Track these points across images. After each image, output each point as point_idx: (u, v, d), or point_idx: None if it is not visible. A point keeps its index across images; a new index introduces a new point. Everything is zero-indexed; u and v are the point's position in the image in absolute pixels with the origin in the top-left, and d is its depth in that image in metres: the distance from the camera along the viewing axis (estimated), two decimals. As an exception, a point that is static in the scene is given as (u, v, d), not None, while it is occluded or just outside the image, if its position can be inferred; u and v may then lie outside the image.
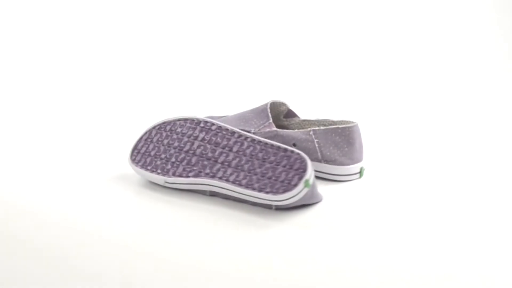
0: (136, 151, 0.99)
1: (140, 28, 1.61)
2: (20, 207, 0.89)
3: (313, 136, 0.97)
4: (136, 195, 0.94)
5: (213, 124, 0.95)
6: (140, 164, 0.97)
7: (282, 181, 0.86)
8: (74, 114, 1.35)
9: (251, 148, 0.91)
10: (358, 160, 0.98)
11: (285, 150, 0.88)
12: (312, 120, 1.04)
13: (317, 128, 0.97)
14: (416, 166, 1.08)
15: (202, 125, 0.96)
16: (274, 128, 1.01)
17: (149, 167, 0.96)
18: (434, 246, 0.79)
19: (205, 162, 0.92)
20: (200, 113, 1.33)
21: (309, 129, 0.97)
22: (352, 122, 0.98)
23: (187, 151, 0.94)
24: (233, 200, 0.92)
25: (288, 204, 0.87)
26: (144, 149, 0.98)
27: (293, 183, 0.85)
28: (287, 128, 1.07)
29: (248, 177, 0.88)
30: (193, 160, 0.93)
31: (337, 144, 0.96)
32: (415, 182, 1.00)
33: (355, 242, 0.80)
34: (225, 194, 0.91)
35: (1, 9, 1.51)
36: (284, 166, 0.87)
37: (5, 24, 1.50)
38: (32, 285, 0.69)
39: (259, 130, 1.02)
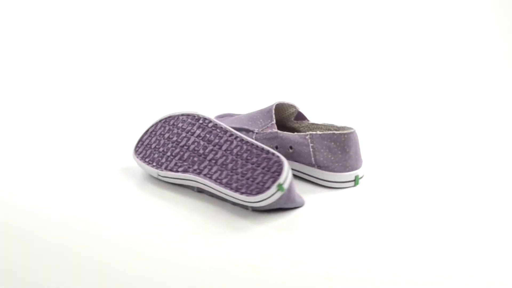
0: (140, 142, 1.02)
1: (155, 27, 1.63)
2: (20, 202, 0.93)
3: (309, 140, 0.95)
4: (131, 189, 0.98)
5: (210, 121, 0.96)
6: (140, 155, 1.00)
7: (258, 183, 0.85)
8: (85, 111, 1.37)
9: (238, 147, 0.91)
10: (353, 168, 0.95)
11: (268, 152, 0.88)
12: (319, 124, 1.02)
13: (314, 132, 0.95)
14: (414, 174, 1.03)
15: (201, 121, 0.97)
16: (275, 130, 1.00)
17: (147, 159, 0.99)
18: (415, 249, 0.76)
19: (195, 159, 0.94)
20: (219, 111, 1.35)
21: (307, 133, 0.96)
22: (350, 129, 0.96)
23: (182, 146, 0.96)
24: (216, 198, 0.93)
25: (263, 207, 0.86)
26: (147, 141, 1.01)
27: (266, 185, 0.84)
28: (298, 131, 1.06)
29: (229, 176, 0.89)
30: (186, 155, 0.95)
31: (332, 150, 0.94)
32: (409, 189, 0.96)
33: (329, 246, 0.79)
34: (210, 192, 0.92)
35: (1, 9, 1.53)
36: (263, 168, 0.87)
37: (5, 25, 1.52)
38: (35, 276, 0.72)
39: (262, 130, 1.02)
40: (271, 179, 0.84)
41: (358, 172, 0.96)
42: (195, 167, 0.93)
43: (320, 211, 0.89)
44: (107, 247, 0.79)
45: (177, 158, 0.96)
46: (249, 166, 0.88)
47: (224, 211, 0.89)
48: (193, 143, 0.96)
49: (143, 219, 0.87)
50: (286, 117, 1.07)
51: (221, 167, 0.90)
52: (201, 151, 0.94)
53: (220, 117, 1.14)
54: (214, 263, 0.76)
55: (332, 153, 0.94)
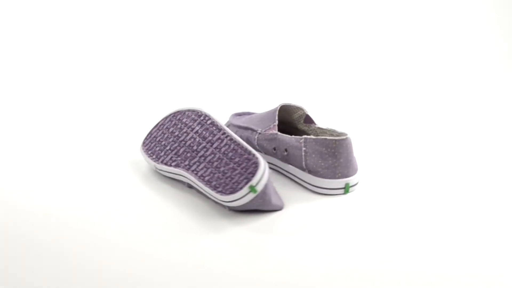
0: (149, 135, 1.05)
1: (163, 28, 1.62)
2: (20, 200, 0.94)
3: (302, 144, 0.94)
4: (130, 184, 1.02)
5: (209, 119, 0.98)
6: (146, 148, 1.03)
7: (234, 183, 0.86)
8: (92, 110, 1.38)
9: (227, 146, 0.92)
10: (344, 175, 0.93)
11: (249, 153, 0.88)
12: (324, 129, 1.00)
13: (308, 136, 0.94)
14: (410, 179, 0.99)
15: (201, 118, 0.99)
16: (275, 131, 1.00)
17: (149, 152, 1.02)
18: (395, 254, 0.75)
19: (188, 154, 0.96)
20: (231, 110, 1.36)
21: (302, 136, 0.95)
22: (344, 135, 0.94)
23: (180, 141, 0.98)
24: (202, 195, 0.94)
25: (238, 207, 0.87)
26: (155, 134, 1.04)
27: (240, 186, 0.84)
28: (306, 133, 1.05)
29: (212, 174, 0.90)
30: (181, 150, 0.97)
31: (322, 155, 0.92)
32: (401, 194, 0.92)
33: (304, 250, 0.79)
34: (196, 188, 0.94)
35: (1, 9, 1.54)
36: (242, 168, 0.87)
37: (6, 25, 1.53)
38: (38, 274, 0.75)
39: (264, 131, 1.02)
40: (245, 180, 0.85)
41: (349, 180, 0.94)
42: (186, 162, 0.95)
43: (302, 215, 0.88)
44: (88, 244, 0.83)
45: (173, 152, 0.98)
46: (231, 165, 0.89)
47: (207, 209, 0.91)
48: (190, 138, 0.98)
49: (127, 216, 0.90)
50: (296, 120, 1.06)
51: (208, 164, 0.92)
52: (195, 147, 0.96)
53: (238, 115, 1.15)
54: (184, 261, 0.78)
55: (323, 158, 0.92)
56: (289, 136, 0.97)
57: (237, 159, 0.89)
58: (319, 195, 0.94)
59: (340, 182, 0.93)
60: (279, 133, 0.99)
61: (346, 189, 0.94)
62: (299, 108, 1.04)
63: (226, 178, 0.88)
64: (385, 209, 0.91)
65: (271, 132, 1.01)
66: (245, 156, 0.88)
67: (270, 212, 0.89)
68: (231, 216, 0.88)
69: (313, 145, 0.93)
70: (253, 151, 0.88)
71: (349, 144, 0.92)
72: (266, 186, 0.86)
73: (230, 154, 0.90)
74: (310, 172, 0.94)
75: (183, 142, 0.98)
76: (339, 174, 0.93)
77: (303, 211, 0.90)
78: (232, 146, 0.91)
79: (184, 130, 1.00)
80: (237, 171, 0.87)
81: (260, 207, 0.87)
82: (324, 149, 0.92)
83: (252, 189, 0.84)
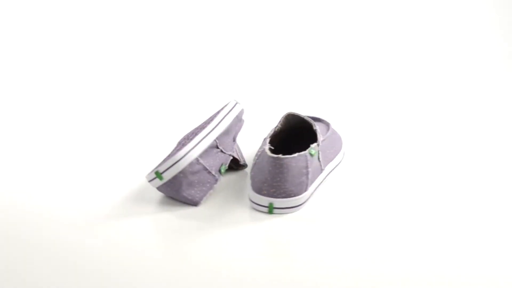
0: None
1: (163, 28, 1.55)
2: (20, 203, 0.97)
3: (259, 153, 0.94)
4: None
5: (212, 119, 1.03)
6: None
7: (157, 166, 0.94)
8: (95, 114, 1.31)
9: (190, 139, 0.98)
10: (268, 194, 0.89)
11: (184, 144, 0.94)
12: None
13: (266, 148, 0.94)
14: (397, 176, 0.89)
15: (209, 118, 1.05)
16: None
17: None
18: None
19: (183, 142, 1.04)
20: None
21: (263, 147, 0.95)
22: (278, 156, 0.89)
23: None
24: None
25: (163, 192, 0.94)
26: None
27: (154, 169, 0.92)
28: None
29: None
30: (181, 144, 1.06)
31: (259, 166, 0.91)
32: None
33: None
34: None
35: (2, 9, 1.49)
36: (170, 155, 0.94)
37: (6, 25, 1.49)
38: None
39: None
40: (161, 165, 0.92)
41: (272, 200, 0.90)
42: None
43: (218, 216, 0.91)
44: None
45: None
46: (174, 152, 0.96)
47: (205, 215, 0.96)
48: (191, 133, 1.06)
49: (126, 217, 0.93)
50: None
51: (177, 147, 1.00)
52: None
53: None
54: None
55: (258, 169, 0.92)
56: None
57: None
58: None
59: (261, 199, 0.91)
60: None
61: (270, 209, 0.91)
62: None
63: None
64: (384, 209, 0.94)
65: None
66: (181, 147, 0.95)
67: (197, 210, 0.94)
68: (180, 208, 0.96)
69: (262, 156, 0.93)
70: (192, 143, 0.93)
71: (280, 164, 0.89)
72: (175, 177, 0.91)
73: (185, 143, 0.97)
74: (251, 179, 0.94)
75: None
76: (264, 192, 0.91)
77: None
78: (192, 138, 0.97)
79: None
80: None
81: (176, 197, 0.93)
82: (259, 159, 0.92)
83: (158, 175, 0.91)
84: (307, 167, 0.91)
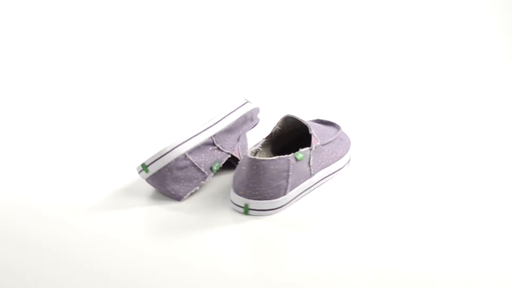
0: None
1: (164, 29, 1.53)
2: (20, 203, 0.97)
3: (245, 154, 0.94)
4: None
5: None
6: None
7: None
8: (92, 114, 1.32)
9: None
10: (245, 194, 0.89)
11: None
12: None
13: (253, 149, 0.94)
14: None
15: None
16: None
17: None
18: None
19: None
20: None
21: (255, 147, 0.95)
22: (255, 158, 0.88)
23: None
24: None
25: (152, 184, 0.97)
26: None
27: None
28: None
29: None
30: None
31: (240, 167, 0.91)
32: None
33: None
34: None
35: (2, 9, 1.47)
36: None
37: (7, 26, 1.47)
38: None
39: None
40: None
41: (248, 201, 0.90)
42: None
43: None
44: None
45: None
46: None
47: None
48: None
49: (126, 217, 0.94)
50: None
51: None
52: None
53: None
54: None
55: (239, 169, 0.92)
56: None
57: None
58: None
59: (238, 199, 0.91)
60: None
61: (245, 209, 0.91)
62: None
63: None
64: (383, 209, 0.94)
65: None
66: None
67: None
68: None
69: (244, 156, 0.93)
70: (178, 142, 0.95)
71: (256, 166, 0.88)
72: (160, 171, 0.93)
73: None
74: (233, 179, 0.95)
75: None
76: (241, 192, 0.90)
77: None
78: None
79: None
80: None
81: (162, 190, 0.95)
82: (243, 163, 0.92)
83: (144, 167, 0.94)
84: (288, 171, 0.90)
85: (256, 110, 1.09)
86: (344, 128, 1.22)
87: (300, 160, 0.92)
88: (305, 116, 1.27)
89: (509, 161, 1.10)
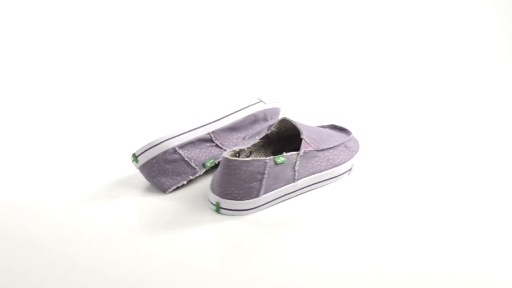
0: None
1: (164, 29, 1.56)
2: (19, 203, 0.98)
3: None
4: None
5: None
6: None
7: None
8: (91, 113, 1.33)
9: None
10: (215, 192, 0.89)
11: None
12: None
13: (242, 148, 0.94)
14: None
15: None
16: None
17: None
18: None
19: None
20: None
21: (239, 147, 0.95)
22: (227, 158, 0.87)
23: None
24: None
25: (141, 172, 1.00)
26: None
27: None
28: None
29: None
30: None
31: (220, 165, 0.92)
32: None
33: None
34: None
35: (2, 9, 1.44)
36: None
37: (7, 26, 1.45)
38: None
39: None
40: None
41: (219, 200, 0.89)
42: None
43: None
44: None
45: None
46: None
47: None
48: None
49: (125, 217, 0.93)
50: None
51: None
52: None
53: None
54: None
55: (218, 168, 0.92)
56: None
57: None
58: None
59: (212, 197, 0.90)
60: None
61: (217, 208, 0.90)
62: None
63: None
64: (383, 209, 0.93)
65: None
66: None
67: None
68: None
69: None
70: (169, 136, 0.96)
71: (229, 165, 0.88)
72: (148, 162, 0.96)
73: None
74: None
75: None
76: (215, 190, 0.90)
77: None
78: None
79: None
80: None
81: (150, 181, 0.98)
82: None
83: (134, 157, 0.97)
84: (263, 173, 0.89)
85: (273, 110, 1.07)
86: (355, 133, 1.19)
87: (280, 163, 0.90)
88: (322, 120, 1.27)
89: (510, 161, 1.08)
